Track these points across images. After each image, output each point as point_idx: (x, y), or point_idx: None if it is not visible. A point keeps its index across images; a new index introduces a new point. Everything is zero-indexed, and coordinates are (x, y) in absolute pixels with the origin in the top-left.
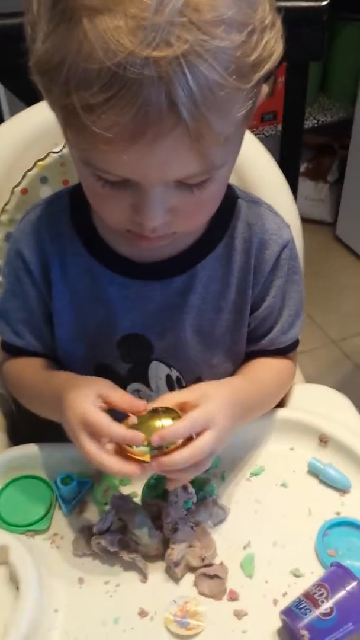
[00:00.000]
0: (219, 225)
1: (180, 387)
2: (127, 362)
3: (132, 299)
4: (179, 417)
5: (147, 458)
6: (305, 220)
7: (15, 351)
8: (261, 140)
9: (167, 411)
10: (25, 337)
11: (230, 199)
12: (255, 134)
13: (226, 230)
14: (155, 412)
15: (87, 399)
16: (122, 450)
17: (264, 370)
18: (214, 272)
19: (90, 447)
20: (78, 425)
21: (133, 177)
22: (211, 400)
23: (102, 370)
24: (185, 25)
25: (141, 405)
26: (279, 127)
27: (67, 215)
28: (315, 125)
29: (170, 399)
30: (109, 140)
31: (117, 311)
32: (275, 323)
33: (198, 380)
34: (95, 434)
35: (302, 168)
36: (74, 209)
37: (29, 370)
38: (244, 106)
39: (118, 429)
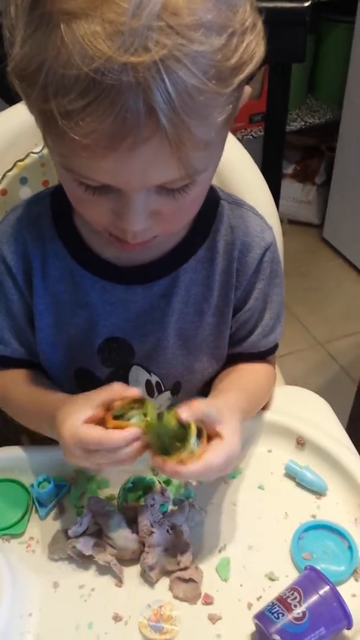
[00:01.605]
0: (201, 228)
1: (160, 392)
2: (107, 366)
3: (113, 303)
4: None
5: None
6: (292, 222)
7: (1, 360)
8: (249, 141)
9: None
10: (11, 344)
11: (213, 201)
12: (243, 135)
13: (208, 233)
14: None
15: (76, 422)
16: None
17: (254, 382)
18: (196, 274)
19: (100, 459)
20: (77, 450)
21: (113, 183)
22: (231, 437)
23: (83, 375)
24: (164, 29)
25: (135, 391)
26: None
27: (48, 217)
28: (303, 127)
29: (197, 409)
30: (88, 146)
31: (99, 315)
32: (256, 326)
33: (177, 384)
34: (96, 450)
35: (290, 170)
36: (56, 210)
37: (15, 388)
38: (224, 110)
39: (116, 434)
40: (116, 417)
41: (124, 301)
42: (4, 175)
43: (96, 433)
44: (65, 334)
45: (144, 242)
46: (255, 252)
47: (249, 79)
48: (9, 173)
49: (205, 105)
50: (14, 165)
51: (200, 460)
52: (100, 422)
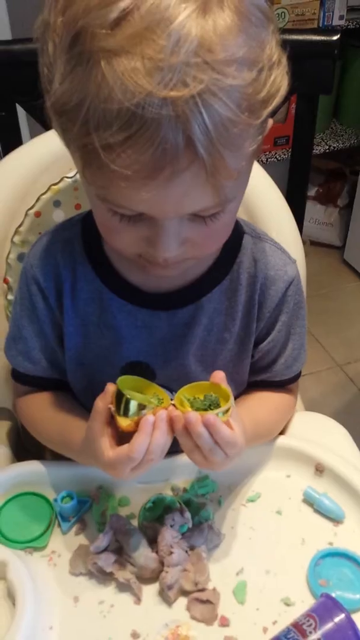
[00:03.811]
0: (225, 260)
1: None
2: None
3: (139, 327)
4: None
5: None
6: (314, 244)
7: (29, 380)
8: (273, 164)
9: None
10: (41, 363)
11: (237, 234)
12: (268, 158)
13: (232, 264)
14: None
15: (104, 453)
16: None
17: (266, 411)
18: (220, 305)
19: (148, 462)
20: (126, 473)
21: (150, 212)
22: (240, 436)
23: None
24: (200, 65)
25: (109, 389)
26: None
27: (79, 242)
28: (327, 150)
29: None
30: (128, 177)
31: (124, 338)
32: (279, 356)
33: None
34: (139, 460)
35: (313, 192)
36: (86, 236)
37: (42, 417)
38: (255, 141)
39: (137, 442)
40: (125, 410)
41: (149, 326)
42: (38, 198)
43: (123, 452)
44: (91, 354)
45: (175, 263)
46: (279, 285)
47: (274, 112)
48: (43, 196)
49: (239, 136)
50: (48, 188)
51: (231, 431)
52: (119, 433)
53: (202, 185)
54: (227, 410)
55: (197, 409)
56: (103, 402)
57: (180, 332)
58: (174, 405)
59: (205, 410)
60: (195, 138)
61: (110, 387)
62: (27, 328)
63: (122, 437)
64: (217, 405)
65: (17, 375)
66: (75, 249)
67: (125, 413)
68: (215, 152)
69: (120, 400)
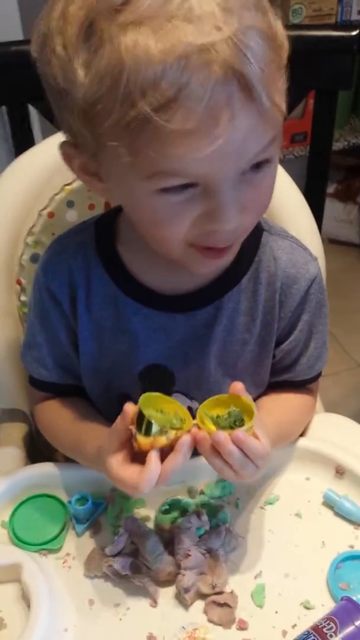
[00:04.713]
0: (245, 258)
1: None
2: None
3: (155, 330)
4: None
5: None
6: (333, 241)
7: (44, 387)
8: (291, 161)
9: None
10: (55, 369)
11: (256, 232)
12: (285, 155)
13: (251, 263)
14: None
15: (117, 472)
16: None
17: (285, 411)
18: (240, 304)
19: (164, 481)
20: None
21: (210, 170)
22: (268, 444)
23: (124, 401)
24: (226, 12)
25: (129, 410)
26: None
27: (92, 246)
28: (346, 146)
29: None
30: (187, 134)
31: (141, 342)
32: (301, 355)
33: None
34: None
35: (332, 189)
36: (100, 239)
37: (58, 424)
38: (284, 84)
39: (147, 468)
40: (147, 431)
41: (166, 329)
42: (52, 198)
43: (132, 481)
44: (107, 359)
45: (228, 247)
46: (300, 284)
47: (290, 109)
48: (57, 196)
49: (275, 73)
50: (62, 189)
51: (261, 444)
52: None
53: (256, 123)
54: (252, 426)
55: (223, 428)
56: (123, 425)
57: (200, 334)
58: (197, 425)
59: (231, 427)
60: (244, 74)
61: (131, 409)
62: (41, 334)
63: (139, 454)
64: (241, 419)
65: (33, 382)
66: (88, 252)
67: (147, 433)
68: (262, 88)
69: (142, 421)
